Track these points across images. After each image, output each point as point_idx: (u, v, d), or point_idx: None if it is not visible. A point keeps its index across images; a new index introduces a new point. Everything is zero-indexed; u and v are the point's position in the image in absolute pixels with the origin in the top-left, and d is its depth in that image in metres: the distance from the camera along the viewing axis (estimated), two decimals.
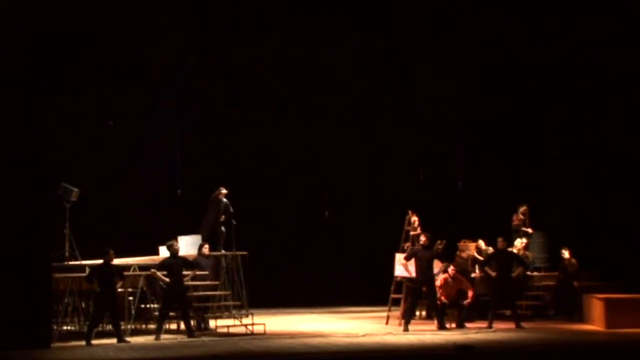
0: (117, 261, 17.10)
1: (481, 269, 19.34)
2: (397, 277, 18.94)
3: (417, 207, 19.44)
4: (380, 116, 24.51)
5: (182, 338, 16.80)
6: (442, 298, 18.23)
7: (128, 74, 22.97)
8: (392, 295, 19.09)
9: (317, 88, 24.20)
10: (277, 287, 23.06)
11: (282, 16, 22.64)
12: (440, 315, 17.83)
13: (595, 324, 18.13)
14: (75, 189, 18.48)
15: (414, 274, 18.04)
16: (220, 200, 19.53)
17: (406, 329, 17.51)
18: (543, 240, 21.28)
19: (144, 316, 18.57)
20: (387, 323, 18.78)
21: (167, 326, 17.71)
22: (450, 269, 18.36)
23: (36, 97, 15.94)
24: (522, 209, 21.08)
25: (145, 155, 23.93)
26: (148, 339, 16.69)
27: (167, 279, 16.84)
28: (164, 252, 18.27)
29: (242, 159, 24.31)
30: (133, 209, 23.19)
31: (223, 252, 19.31)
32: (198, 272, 17.67)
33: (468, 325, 18.03)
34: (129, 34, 22.03)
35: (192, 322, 17.33)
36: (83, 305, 18.25)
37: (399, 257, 18.52)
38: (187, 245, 18.72)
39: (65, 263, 17.91)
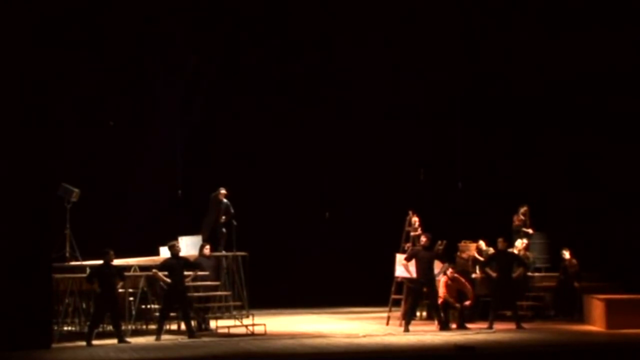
0: (117, 261, 17.09)
1: (482, 270, 19.34)
2: (397, 277, 18.94)
3: (418, 208, 19.44)
4: (380, 116, 24.52)
5: (182, 339, 16.79)
6: (446, 297, 18.17)
7: (128, 74, 22.98)
8: (393, 296, 19.09)
9: (318, 88, 24.21)
10: (277, 287, 23.07)
11: (283, 17, 22.66)
12: (440, 315, 17.82)
13: (595, 324, 18.13)
14: (76, 190, 18.48)
15: (414, 275, 18.04)
16: (221, 201, 19.51)
17: (407, 330, 17.50)
18: (544, 240, 21.27)
19: (144, 317, 18.56)
20: (387, 324, 18.78)
21: (167, 327, 17.71)
22: (449, 271, 18.35)
23: (36, 97, 15.93)
24: (523, 209, 21.08)
25: (145, 155, 23.92)
26: (149, 340, 16.68)
27: (168, 280, 16.84)
28: (164, 253, 18.27)
29: (243, 159, 24.30)
30: (133, 209, 23.19)
31: (224, 252, 19.29)
32: (199, 273, 17.66)
33: (468, 325, 18.03)
34: (129, 34, 22.04)
35: (192, 323, 17.32)
36: (83, 305, 18.25)
37: (400, 258, 18.52)
38: (188, 245, 18.71)
39: (66, 264, 17.90)
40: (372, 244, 22.96)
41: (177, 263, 17.01)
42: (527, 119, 23.61)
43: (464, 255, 20.07)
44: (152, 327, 17.82)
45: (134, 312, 17.68)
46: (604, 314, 17.71)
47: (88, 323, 17.04)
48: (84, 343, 16.10)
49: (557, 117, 23.24)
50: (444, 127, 24.28)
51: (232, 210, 19.49)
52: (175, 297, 16.87)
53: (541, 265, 21.14)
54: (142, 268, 18.22)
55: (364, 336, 16.77)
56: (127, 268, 17.75)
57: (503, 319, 18.63)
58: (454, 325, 18.01)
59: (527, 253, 20.37)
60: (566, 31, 22.22)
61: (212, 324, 18.23)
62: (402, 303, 18.84)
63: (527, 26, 22.59)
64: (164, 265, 17.10)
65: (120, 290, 17.19)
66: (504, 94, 23.77)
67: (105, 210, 22.57)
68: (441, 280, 18.26)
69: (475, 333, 17.11)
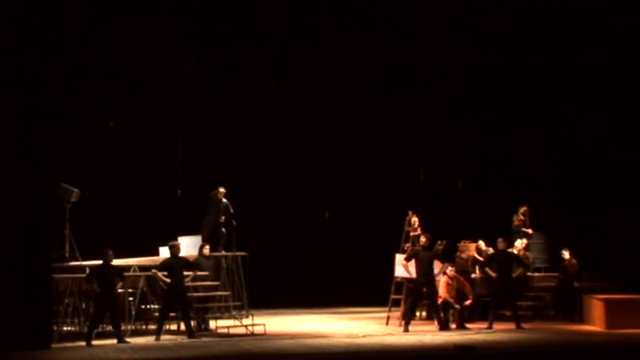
0: (117, 262, 17.10)
1: (481, 270, 19.35)
2: (397, 277, 18.95)
3: (418, 208, 19.45)
4: (380, 116, 24.51)
5: (182, 339, 16.81)
6: (446, 297, 18.17)
7: (128, 75, 22.97)
8: (392, 296, 19.10)
9: (318, 88, 24.21)
10: (277, 287, 23.04)
11: (284, 16, 22.65)
12: (440, 315, 17.82)
13: (595, 324, 18.14)
14: (76, 190, 18.49)
15: (414, 275, 18.05)
16: (220, 200, 19.49)
17: (406, 330, 17.51)
18: (543, 240, 21.26)
19: (144, 317, 18.55)
20: (387, 324, 18.79)
21: (167, 327, 17.71)
22: (449, 270, 18.36)
23: (37, 97, 15.93)
24: (522, 209, 21.07)
25: (145, 155, 23.92)
26: (148, 340, 16.69)
27: (167, 280, 16.84)
28: (164, 253, 18.27)
29: (242, 158, 24.29)
30: (133, 209, 23.19)
31: (223, 252, 19.28)
32: (199, 273, 17.66)
33: (468, 325, 18.04)
34: (129, 34, 22.04)
35: (192, 323, 17.33)
36: (83, 305, 18.25)
37: (399, 258, 18.53)
38: (187, 246, 18.69)
39: (66, 264, 17.90)
40: (372, 244, 22.96)
41: (176, 263, 17.01)
42: (527, 119, 23.59)
43: (464, 255, 20.07)
44: (152, 327, 17.81)
45: (133, 312, 17.68)
46: (604, 314, 17.73)
47: (88, 323, 17.05)
48: (83, 343, 16.11)
49: (557, 117, 23.23)
50: (444, 127, 24.27)
51: (232, 210, 19.49)
52: (175, 297, 16.87)
53: (541, 265, 21.13)
54: (142, 268, 18.21)
55: (364, 336, 16.78)
56: (127, 268, 17.75)
57: (503, 319, 18.66)
58: (453, 325, 18.02)
59: (527, 253, 20.37)
60: (564, 29, 22.23)
61: (212, 324, 18.22)
62: (402, 303, 18.84)
63: (528, 24, 22.57)
64: (164, 265, 17.11)
65: (119, 290, 17.19)
66: (504, 93, 23.75)
67: (105, 210, 22.56)
68: (441, 280, 18.27)
69: (475, 333, 17.12)
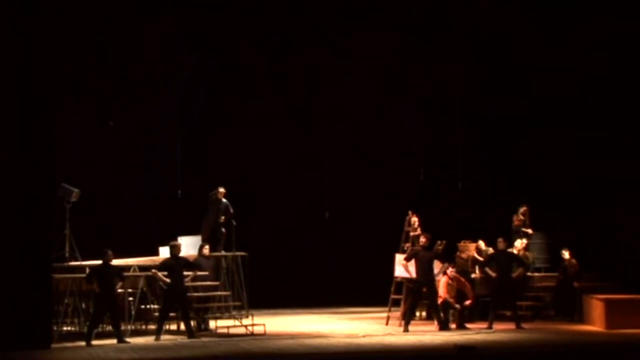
0: (117, 262, 17.10)
1: (481, 270, 19.36)
2: (397, 277, 18.96)
3: (417, 208, 19.45)
4: (380, 116, 24.51)
5: (182, 339, 16.81)
6: (446, 297, 18.16)
7: (128, 74, 22.97)
8: (392, 296, 19.10)
9: (318, 88, 24.21)
10: (277, 287, 23.05)
11: (283, 16, 22.66)
12: (440, 315, 17.81)
13: (595, 324, 18.14)
14: (76, 190, 18.49)
15: (414, 275, 18.05)
16: (220, 200, 19.50)
17: (406, 330, 17.52)
18: (543, 240, 21.26)
19: (144, 317, 18.56)
20: (387, 324, 18.79)
21: (167, 327, 17.71)
22: (449, 270, 18.36)
23: (36, 97, 15.92)
24: (522, 209, 21.07)
25: (145, 155, 23.92)
26: (148, 340, 16.69)
27: (167, 280, 16.84)
28: (164, 253, 18.27)
29: (242, 158, 24.29)
30: (133, 209, 23.19)
31: (223, 252, 19.28)
32: (199, 273, 17.67)
33: (468, 325, 18.04)
34: (129, 34, 22.04)
35: (192, 323, 17.33)
36: (83, 305, 18.25)
37: (399, 258, 18.53)
38: (187, 246, 18.68)
39: (66, 264, 17.91)
40: (372, 244, 22.95)
41: (176, 263, 17.01)
42: (527, 119, 23.58)
43: (464, 255, 20.07)
44: (152, 327, 17.81)
45: (133, 312, 17.68)
46: (604, 314, 17.73)
47: (88, 323, 17.05)
48: (83, 343, 16.11)
49: (557, 116, 23.22)
50: (444, 127, 24.27)
51: (232, 210, 19.49)
52: (175, 297, 16.87)
53: (541, 265, 21.12)
54: (142, 268, 18.22)
55: (364, 336, 16.77)
56: (127, 268, 17.75)
57: (503, 319, 18.66)
58: (453, 325, 18.02)
59: (527, 253, 20.37)
60: (564, 30, 22.23)
61: (212, 324, 18.23)
62: (402, 303, 18.84)
63: (530, 25, 22.58)
64: (164, 265, 17.11)
65: (119, 290, 17.19)
66: (504, 93, 23.74)
67: (105, 210, 22.57)
68: (441, 280, 18.27)
69: (475, 333, 17.12)
